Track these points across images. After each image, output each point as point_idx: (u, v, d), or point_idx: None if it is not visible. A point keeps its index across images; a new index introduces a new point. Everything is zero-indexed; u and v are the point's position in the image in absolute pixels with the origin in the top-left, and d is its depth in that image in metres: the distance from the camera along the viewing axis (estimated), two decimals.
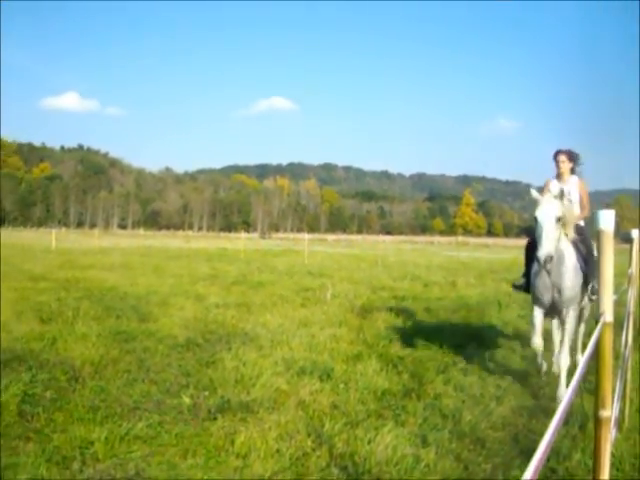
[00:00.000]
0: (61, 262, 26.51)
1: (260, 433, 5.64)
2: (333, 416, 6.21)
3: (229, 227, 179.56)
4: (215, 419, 6.06)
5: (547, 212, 7.04)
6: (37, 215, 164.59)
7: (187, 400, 6.61)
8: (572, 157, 8.41)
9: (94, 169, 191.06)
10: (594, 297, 7.67)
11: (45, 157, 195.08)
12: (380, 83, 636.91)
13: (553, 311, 7.72)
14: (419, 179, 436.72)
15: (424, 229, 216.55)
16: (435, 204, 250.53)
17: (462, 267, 32.11)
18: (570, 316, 7.53)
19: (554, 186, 8.20)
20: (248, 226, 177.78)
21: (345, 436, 5.67)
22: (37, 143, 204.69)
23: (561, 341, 7.66)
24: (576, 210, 8.16)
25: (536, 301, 7.67)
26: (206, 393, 6.90)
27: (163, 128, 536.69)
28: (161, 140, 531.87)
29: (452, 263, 36.77)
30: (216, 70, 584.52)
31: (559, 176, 8.43)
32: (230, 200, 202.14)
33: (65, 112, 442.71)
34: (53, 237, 45.34)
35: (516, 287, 8.53)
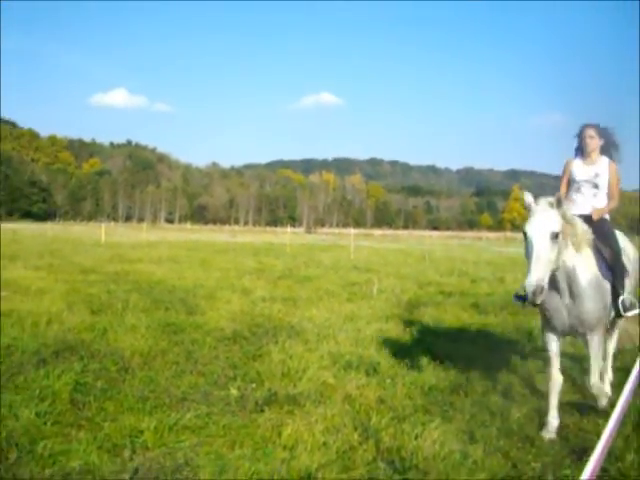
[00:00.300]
0: (110, 255, 26.92)
1: (307, 426, 5.66)
2: (380, 410, 6.21)
3: (275, 222, 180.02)
4: (262, 411, 6.11)
5: (539, 226, 5.40)
6: (87, 209, 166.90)
7: (235, 392, 6.68)
8: (603, 133, 6.87)
9: (142, 164, 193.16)
10: (628, 314, 6.43)
11: (95, 152, 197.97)
12: (426, 78, 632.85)
13: (572, 334, 6.34)
14: (466, 174, 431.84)
15: (471, 225, 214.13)
16: (483, 199, 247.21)
17: (510, 263, 31.69)
18: (595, 341, 6.08)
19: (578, 167, 6.93)
20: (294, 221, 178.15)
21: (392, 431, 5.65)
22: (87, 139, 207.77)
23: (587, 368, 6.26)
24: (601, 200, 6.80)
25: (547, 325, 6.24)
26: (253, 385, 6.96)
27: (210, 123, 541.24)
28: (208, 135, 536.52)
29: (500, 259, 36.45)
30: (263, 66, 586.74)
31: (586, 155, 6.90)
32: (276, 195, 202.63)
33: (114, 108, 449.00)
34: (102, 231, 46.05)
35: (518, 298, 6.54)
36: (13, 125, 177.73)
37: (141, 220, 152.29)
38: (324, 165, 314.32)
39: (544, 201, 5.58)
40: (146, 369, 7.46)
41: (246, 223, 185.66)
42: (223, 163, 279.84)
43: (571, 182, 7.04)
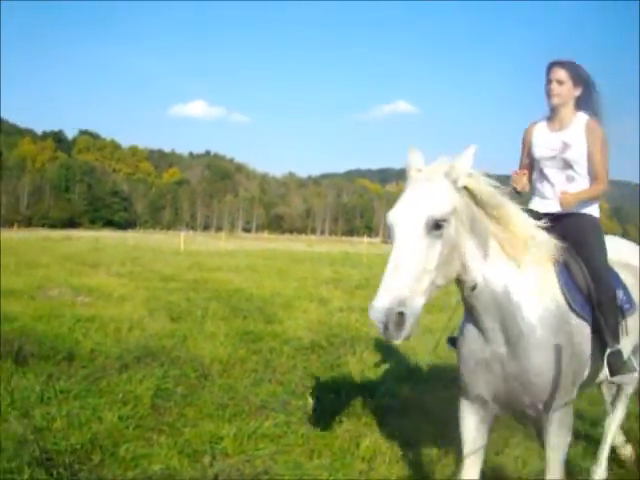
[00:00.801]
0: (189, 264, 27.33)
1: (385, 438, 5.63)
2: None
3: (351, 231, 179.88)
4: (340, 422, 6.08)
5: (407, 208, 3.19)
6: (166, 218, 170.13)
7: (313, 402, 6.67)
8: (579, 76, 4.28)
9: (220, 174, 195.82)
10: (615, 378, 4.03)
11: (174, 163, 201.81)
12: (502, 86, 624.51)
13: (511, 411, 4.07)
14: None
15: None
16: None
17: None
18: (554, 425, 3.71)
19: (539, 136, 4.47)
20: (370, 231, 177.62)
21: None
22: (167, 149, 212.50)
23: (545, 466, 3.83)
24: (581, 182, 4.33)
25: (464, 395, 3.90)
26: (331, 396, 6.94)
27: (287, 133, 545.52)
28: (285, 145, 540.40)
29: None
30: (339, 75, 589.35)
31: (552, 115, 4.43)
32: (352, 204, 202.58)
33: (193, 119, 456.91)
34: (181, 239, 46.86)
35: (453, 342, 4.42)
36: (96, 136, 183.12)
37: (219, 229, 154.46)
38: (401, 175, 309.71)
39: (433, 166, 3.36)
40: (225, 376, 7.55)
41: (322, 233, 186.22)
42: (300, 173, 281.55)
43: (532, 161, 4.56)
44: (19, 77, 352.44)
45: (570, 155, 4.28)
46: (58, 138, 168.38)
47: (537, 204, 4.46)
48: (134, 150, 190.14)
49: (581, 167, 4.31)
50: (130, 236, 71.51)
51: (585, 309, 3.83)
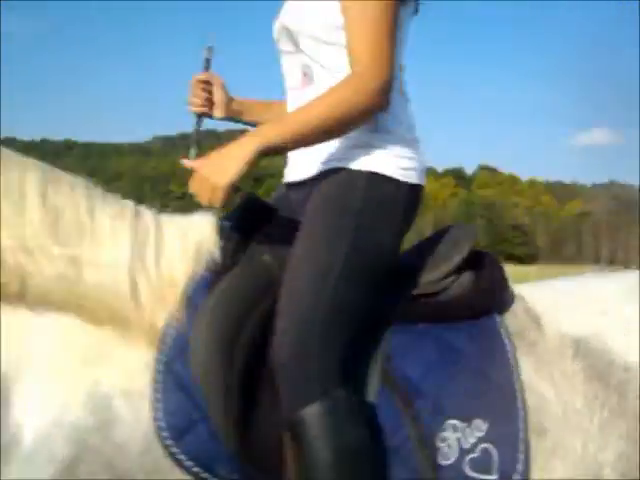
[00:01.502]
0: None
1: None
2: None
3: None
4: None
5: None
6: (568, 252, 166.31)
7: None
8: None
9: (625, 204, 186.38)
10: None
11: (576, 194, 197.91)
12: None
13: None
14: None
15: None
16: None
17: None
18: None
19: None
20: None
21: None
22: (566, 180, 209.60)
23: None
24: (329, 82, 1.72)
25: None
26: None
27: None
28: None
29: None
30: None
31: None
32: None
33: (594, 147, 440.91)
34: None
35: None
36: (495, 171, 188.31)
37: (627, 264, 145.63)
38: None
39: None
40: None
41: None
42: None
43: None
44: None
45: (291, 18, 1.82)
46: (458, 175, 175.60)
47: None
48: (532, 182, 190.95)
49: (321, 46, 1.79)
50: (532, 270, 69.49)
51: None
